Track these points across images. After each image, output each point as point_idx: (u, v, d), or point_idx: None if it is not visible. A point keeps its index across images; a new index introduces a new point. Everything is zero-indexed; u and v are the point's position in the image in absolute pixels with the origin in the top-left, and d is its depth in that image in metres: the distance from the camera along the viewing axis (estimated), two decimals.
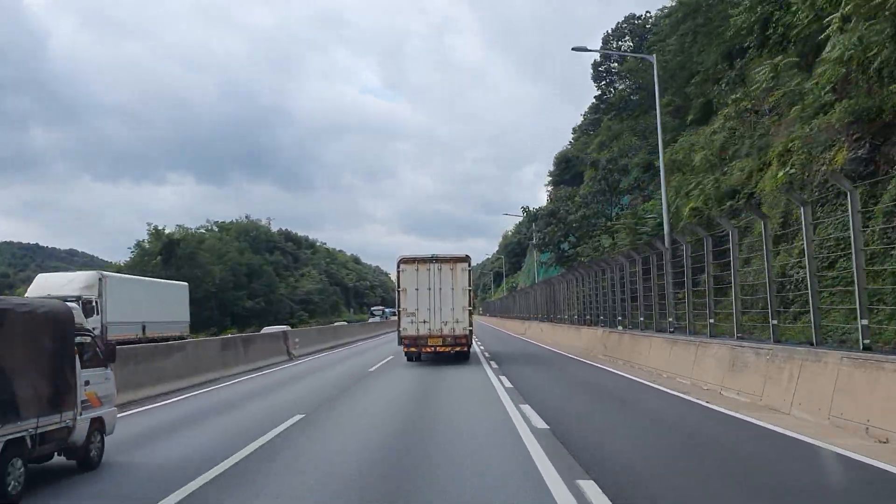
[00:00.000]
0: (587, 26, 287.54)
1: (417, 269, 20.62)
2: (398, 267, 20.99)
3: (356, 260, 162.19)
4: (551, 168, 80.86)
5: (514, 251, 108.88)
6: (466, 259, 21.12)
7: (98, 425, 7.81)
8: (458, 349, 20.62)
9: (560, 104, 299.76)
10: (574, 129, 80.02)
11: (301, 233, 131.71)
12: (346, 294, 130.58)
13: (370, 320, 75.93)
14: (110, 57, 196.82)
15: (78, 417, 7.32)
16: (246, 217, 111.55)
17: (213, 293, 71.20)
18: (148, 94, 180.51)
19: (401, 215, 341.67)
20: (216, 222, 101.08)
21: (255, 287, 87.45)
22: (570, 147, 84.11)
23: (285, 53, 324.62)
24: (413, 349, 20.84)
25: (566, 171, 72.03)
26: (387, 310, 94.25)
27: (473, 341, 24.55)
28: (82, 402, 7.46)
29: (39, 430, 6.65)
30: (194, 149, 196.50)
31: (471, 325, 20.71)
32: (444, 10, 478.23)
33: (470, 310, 20.55)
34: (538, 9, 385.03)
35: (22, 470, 6.40)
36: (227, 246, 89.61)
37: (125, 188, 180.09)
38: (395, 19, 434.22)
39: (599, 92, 64.62)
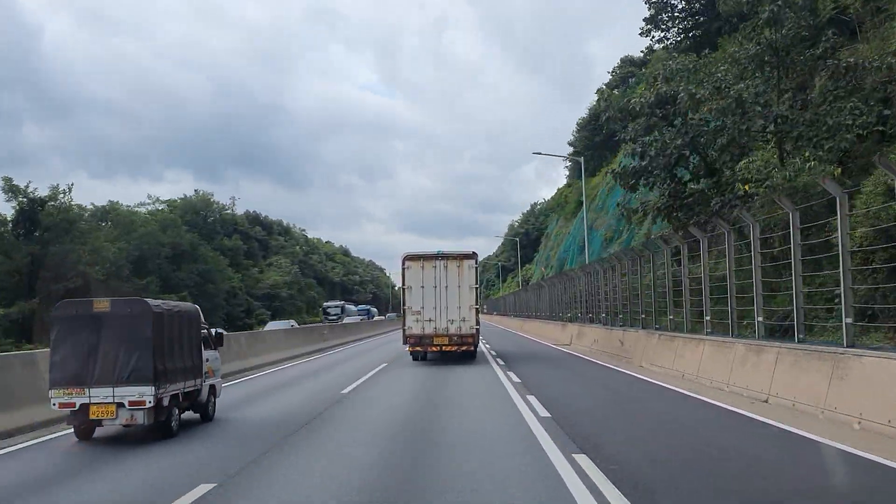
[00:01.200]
0: (586, 23, 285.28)
1: (423, 267, 20.18)
2: (403, 264, 20.42)
3: (345, 252, 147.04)
4: (571, 137, 68.85)
5: (521, 243, 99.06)
6: (473, 256, 20.67)
7: (212, 390, 11.07)
8: (464, 348, 20.24)
9: (559, 103, 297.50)
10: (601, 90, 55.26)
11: (281, 218, 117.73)
12: (331, 289, 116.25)
13: (327, 322, 58.91)
14: (104, 53, 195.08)
15: (203, 384, 10.58)
16: (196, 192, 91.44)
17: (102, 281, 51.37)
18: (142, 91, 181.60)
19: (399, 214, 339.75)
20: (160, 199, 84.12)
21: (178, 276, 66.58)
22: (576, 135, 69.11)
23: (279, 49, 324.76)
24: (418, 348, 20.44)
25: (595, 132, 56.97)
26: (369, 309, 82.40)
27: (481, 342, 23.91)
28: (204, 373, 10.72)
29: (184, 390, 9.89)
30: (191, 146, 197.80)
31: (477, 323, 20.31)
32: (442, 7, 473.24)
33: (477, 308, 20.23)
34: (537, 4, 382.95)
35: (178, 415, 9.66)
36: (147, 223, 69.15)
37: (121, 186, 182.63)
38: (390, 15, 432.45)
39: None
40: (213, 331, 11.49)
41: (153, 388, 8.69)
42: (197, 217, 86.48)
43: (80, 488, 6.89)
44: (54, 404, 8.72)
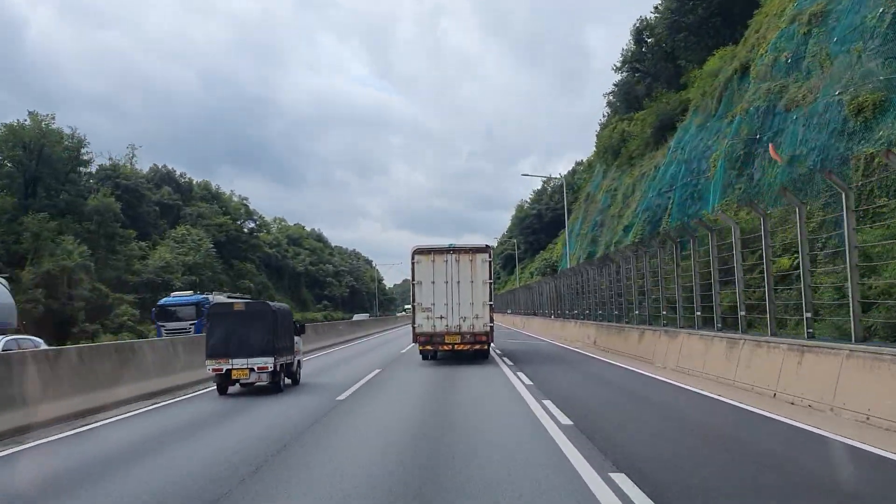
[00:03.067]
0: (585, 12, 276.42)
1: (433, 261, 19.44)
2: (412, 258, 19.63)
3: (318, 237, 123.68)
4: (609, 107, 56.17)
5: (531, 227, 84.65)
6: (487, 249, 20.04)
7: (299, 363, 15.83)
8: (477, 347, 19.47)
9: (557, 96, 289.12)
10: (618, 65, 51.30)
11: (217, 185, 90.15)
12: (292, 282, 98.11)
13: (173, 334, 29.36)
14: (89, 46, 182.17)
15: (294, 358, 15.34)
16: (29, 113, 55.84)
17: None
18: (129, 85, 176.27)
19: (395, 212, 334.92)
20: None
21: None
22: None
23: (271, 41, 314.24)
24: (429, 347, 19.66)
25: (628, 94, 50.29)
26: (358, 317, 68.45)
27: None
28: (294, 351, 15.49)
29: (286, 361, 14.62)
30: (183, 142, 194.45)
31: (491, 321, 19.49)
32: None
33: (491, 304, 19.43)
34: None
35: (283, 377, 14.40)
36: None
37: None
38: (383, 5, 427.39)
39: None
40: (297, 323, 16.25)
41: (273, 358, 13.47)
42: (30, 157, 53.81)
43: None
44: (209, 369, 13.51)
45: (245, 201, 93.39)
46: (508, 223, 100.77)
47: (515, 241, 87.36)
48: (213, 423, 10.83)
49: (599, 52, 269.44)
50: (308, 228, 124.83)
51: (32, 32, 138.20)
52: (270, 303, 14.47)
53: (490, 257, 19.93)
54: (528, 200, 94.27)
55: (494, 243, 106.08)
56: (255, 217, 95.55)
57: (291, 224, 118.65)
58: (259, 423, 10.56)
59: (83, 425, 10.59)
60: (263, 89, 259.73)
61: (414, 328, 19.55)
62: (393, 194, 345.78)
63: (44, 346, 16.11)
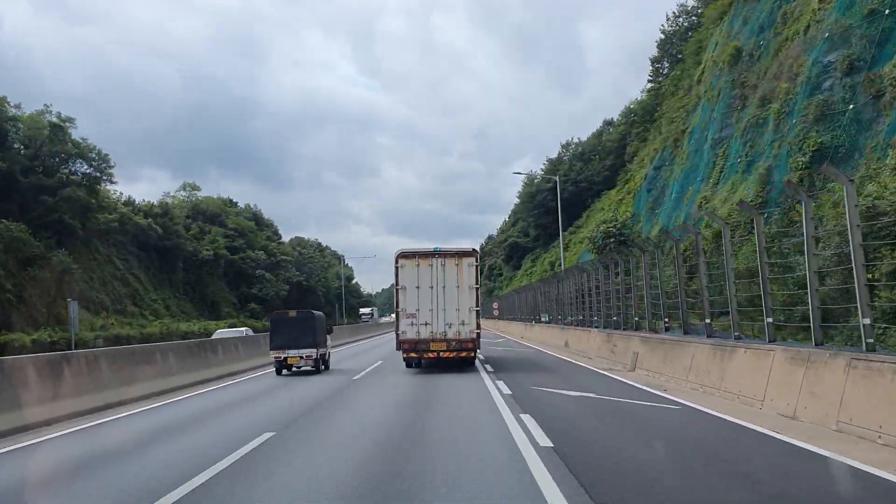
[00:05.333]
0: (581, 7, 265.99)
1: (418, 265, 19.17)
2: (396, 262, 19.42)
3: (254, 217, 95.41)
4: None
5: (544, 204, 68.45)
6: (474, 253, 19.68)
7: (329, 355, 22.16)
8: (463, 354, 19.29)
9: (549, 94, 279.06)
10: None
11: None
12: (194, 273, 73.48)
13: None
14: (68, 44, 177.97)
15: (327, 351, 21.69)
16: None
17: None
18: (111, 85, 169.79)
19: (385, 215, 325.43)
20: None
21: None
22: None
23: (255, 38, 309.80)
24: (413, 354, 19.49)
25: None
26: None
27: None
28: (326, 345, 21.84)
29: (322, 353, 20.93)
30: (169, 144, 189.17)
31: (478, 327, 19.27)
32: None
33: (478, 310, 19.21)
34: None
35: (321, 364, 20.70)
36: None
37: None
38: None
39: None
40: (329, 326, 22.57)
41: (315, 350, 19.80)
42: None
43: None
44: (273, 357, 19.88)
45: (65, 122, 54.82)
46: (521, 180, 76.33)
47: (525, 223, 71.89)
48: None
49: (594, 48, 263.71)
50: (242, 205, 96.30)
51: (6, 28, 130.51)
52: (314, 311, 20.93)
53: (477, 261, 19.68)
54: (541, 170, 74.02)
55: (495, 237, 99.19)
56: (95, 157, 57.11)
57: (217, 197, 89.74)
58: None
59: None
60: (249, 88, 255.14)
61: (398, 335, 19.36)
62: (384, 196, 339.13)
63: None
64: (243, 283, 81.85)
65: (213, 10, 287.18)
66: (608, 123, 75.10)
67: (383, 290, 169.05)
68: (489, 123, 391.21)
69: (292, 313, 20.49)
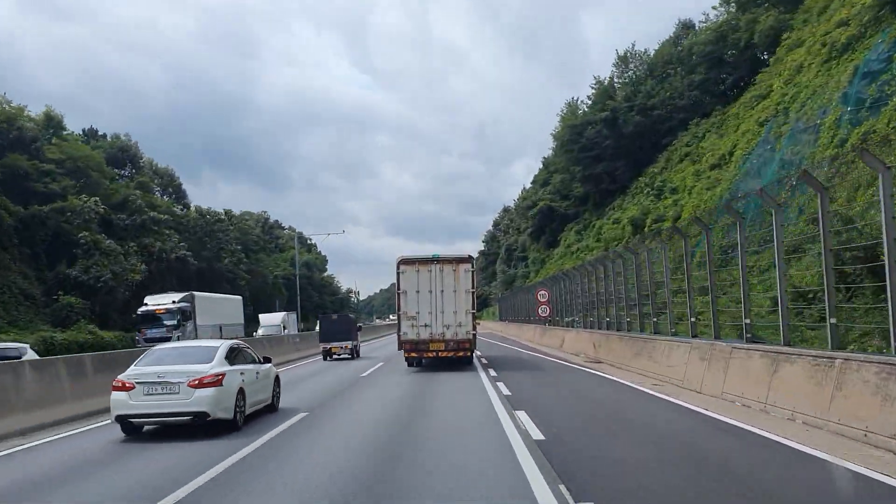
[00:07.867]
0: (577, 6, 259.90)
1: (418, 271, 20.51)
2: (398, 268, 20.74)
3: (124, 148, 69.03)
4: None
5: (595, 145, 46.51)
6: (469, 260, 21.03)
7: (359, 346, 29.64)
8: (460, 354, 20.65)
9: (551, 91, 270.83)
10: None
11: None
12: (52, 246, 46.67)
13: None
14: (55, 42, 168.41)
15: (359, 344, 29.28)
16: None
17: None
18: (99, 82, 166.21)
19: (384, 217, 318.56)
20: None
21: None
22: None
23: (249, 35, 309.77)
24: (414, 354, 20.94)
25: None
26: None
27: None
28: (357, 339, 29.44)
29: (355, 345, 28.47)
30: (164, 144, 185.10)
31: (474, 329, 20.64)
32: None
33: (474, 313, 20.45)
34: None
35: (355, 352, 28.41)
36: None
37: None
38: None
39: None
40: (359, 325, 30.14)
41: (352, 342, 27.56)
42: None
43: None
44: (321, 348, 27.50)
45: None
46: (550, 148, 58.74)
47: (565, 176, 51.45)
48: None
49: (596, 43, 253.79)
50: (107, 135, 68.65)
51: None
52: (349, 315, 28.54)
53: (473, 267, 20.99)
54: (588, 99, 53.17)
55: (512, 208, 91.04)
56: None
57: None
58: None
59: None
60: (242, 86, 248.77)
61: (399, 336, 20.88)
62: (382, 198, 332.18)
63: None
64: (63, 258, 48.12)
65: (207, 9, 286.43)
66: (685, 26, 52.89)
67: (379, 291, 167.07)
68: (489, 122, 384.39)
69: (334, 316, 28.48)
